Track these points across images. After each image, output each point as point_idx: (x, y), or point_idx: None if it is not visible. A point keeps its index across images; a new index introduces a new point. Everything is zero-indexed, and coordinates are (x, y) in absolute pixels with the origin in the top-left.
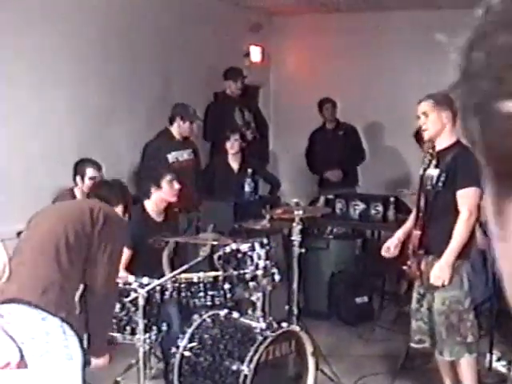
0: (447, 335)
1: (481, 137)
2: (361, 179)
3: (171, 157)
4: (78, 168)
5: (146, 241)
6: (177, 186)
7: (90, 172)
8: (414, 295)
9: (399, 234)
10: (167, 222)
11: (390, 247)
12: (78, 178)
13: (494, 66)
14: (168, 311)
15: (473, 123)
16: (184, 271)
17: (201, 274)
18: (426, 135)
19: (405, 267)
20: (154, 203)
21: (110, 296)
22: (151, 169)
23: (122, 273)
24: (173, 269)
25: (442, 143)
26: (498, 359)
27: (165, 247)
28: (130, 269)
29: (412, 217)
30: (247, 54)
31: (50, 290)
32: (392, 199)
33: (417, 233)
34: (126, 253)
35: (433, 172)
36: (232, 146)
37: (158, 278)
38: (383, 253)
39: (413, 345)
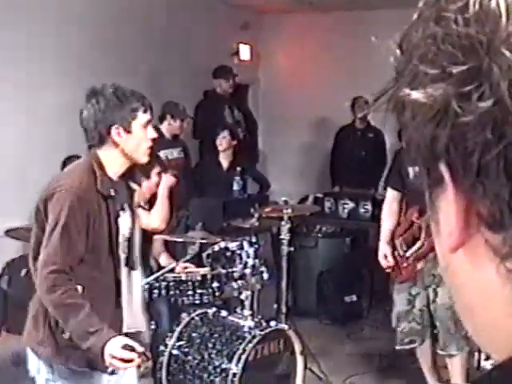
0: (456, 329)
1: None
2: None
3: (160, 155)
4: (66, 164)
5: None
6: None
7: None
8: (404, 297)
9: (387, 238)
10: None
11: (387, 255)
12: None
13: None
14: (158, 309)
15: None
16: (173, 269)
17: (190, 272)
18: None
19: (389, 270)
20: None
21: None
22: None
23: None
24: (161, 267)
25: None
26: (487, 358)
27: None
28: None
29: (392, 217)
30: (236, 53)
31: (32, 326)
32: (381, 198)
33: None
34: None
35: None
36: (220, 142)
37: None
38: (383, 263)
39: (402, 347)
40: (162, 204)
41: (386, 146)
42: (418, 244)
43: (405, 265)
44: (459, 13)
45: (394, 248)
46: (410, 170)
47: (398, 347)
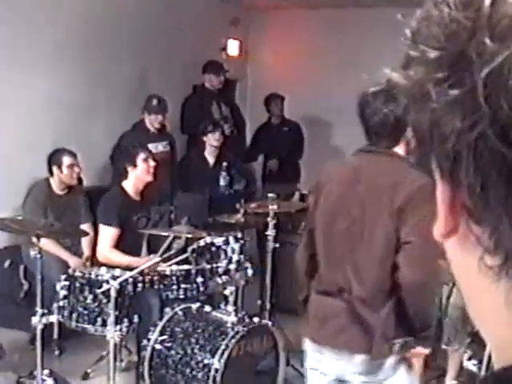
0: (462, 326)
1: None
2: (303, 175)
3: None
4: (54, 158)
5: (130, 220)
6: (152, 163)
7: (66, 160)
8: None
9: None
10: (145, 201)
11: None
12: (55, 168)
13: None
14: (148, 301)
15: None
16: (157, 263)
17: (174, 267)
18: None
19: None
20: (132, 184)
21: None
22: (125, 150)
23: (112, 253)
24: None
25: None
26: (469, 358)
27: (146, 227)
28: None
29: None
30: (224, 48)
31: None
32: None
33: None
34: (114, 231)
35: None
36: (210, 142)
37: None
38: None
39: None
40: (122, 263)
41: (302, 137)
42: None
43: None
44: None
45: None
46: None
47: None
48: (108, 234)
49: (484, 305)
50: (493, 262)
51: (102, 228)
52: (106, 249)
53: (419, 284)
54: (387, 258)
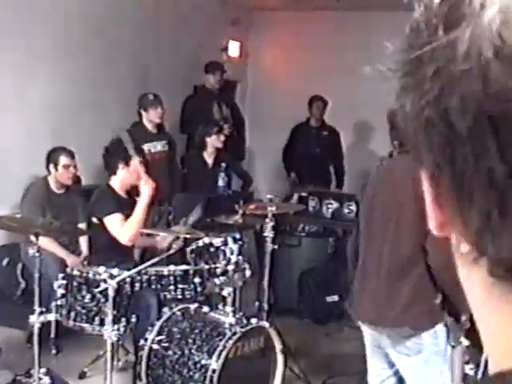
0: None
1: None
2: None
3: (144, 148)
4: (51, 156)
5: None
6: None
7: (63, 160)
8: None
9: None
10: (131, 198)
11: None
12: (52, 167)
13: None
14: (147, 301)
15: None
16: (155, 264)
17: (171, 267)
18: None
19: None
20: (119, 181)
21: None
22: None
23: (125, 226)
24: (144, 260)
25: None
26: (466, 362)
27: None
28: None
29: None
30: (225, 49)
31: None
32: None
33: None
34: (119, 216)
35: None
36: (213, 143)
37: (129, 263)
38: None
39: None
40: (138, 219)
41: (341, 144)
42: None
43: None
44: None
45: None
46: None
47: None
48: (115, 220)
49: (473, 297)
50: (464, 249)
51: (107, 219)
52: (120, 229)
53: (444, 268)
54: (418, 231)
